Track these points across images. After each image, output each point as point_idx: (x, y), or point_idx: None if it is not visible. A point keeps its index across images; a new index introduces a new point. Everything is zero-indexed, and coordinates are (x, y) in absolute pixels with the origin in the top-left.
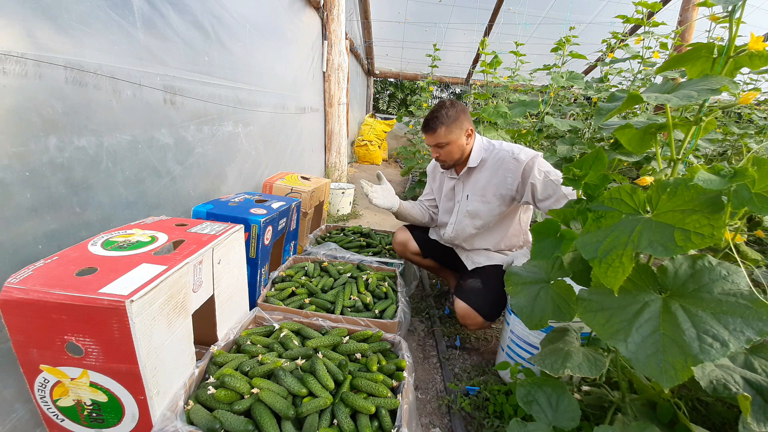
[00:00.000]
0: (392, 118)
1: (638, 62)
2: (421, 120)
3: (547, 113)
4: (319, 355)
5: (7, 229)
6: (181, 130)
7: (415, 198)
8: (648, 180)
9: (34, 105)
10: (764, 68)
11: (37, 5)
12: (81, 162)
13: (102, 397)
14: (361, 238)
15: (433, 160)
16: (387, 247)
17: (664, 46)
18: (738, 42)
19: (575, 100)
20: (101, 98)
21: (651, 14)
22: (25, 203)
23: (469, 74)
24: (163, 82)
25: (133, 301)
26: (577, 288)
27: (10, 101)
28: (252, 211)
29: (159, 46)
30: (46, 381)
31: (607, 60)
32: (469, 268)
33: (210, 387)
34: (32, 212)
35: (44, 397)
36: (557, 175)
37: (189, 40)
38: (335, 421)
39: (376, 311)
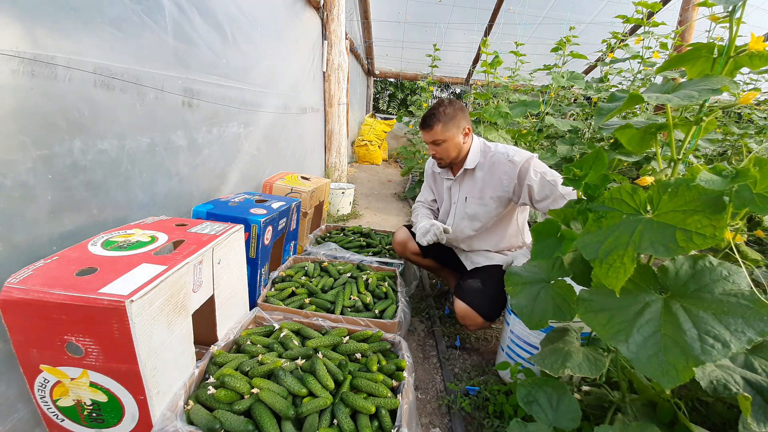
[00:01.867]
0: (392, 118)
1: (638, 62)
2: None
3: (547, 113)
4: (319, 355)
5: (25, 231)
6: (194, 132)
7: (414, 198)
8: (648, 180)
9: (60, 108)
10: (764, 68)
11: (69, 7)
12: (102, 164)
13: (102, 397)
14: (361, 238)
15: (430, 159)
16: (387, 247)
17: (664, 46)
18: (738, 42)
19: (575, 100)
20: (126, 101)
21: (651, 14)
22: (46, 205)
23: (469, 74)
24: (184, 85)
25: (133, 301)
26: (577, 288)
27: (36, 104)
28: (252, 211)
29: (185, 49)
30: (46, 381)
31: (607, 60)
32: (469, 269)
33: (210, 387)
34: (52, 214)
35: (44, 397)
36: (553, 175)
37: (211, 44)
38: (335, 421)
39: (376, 311)
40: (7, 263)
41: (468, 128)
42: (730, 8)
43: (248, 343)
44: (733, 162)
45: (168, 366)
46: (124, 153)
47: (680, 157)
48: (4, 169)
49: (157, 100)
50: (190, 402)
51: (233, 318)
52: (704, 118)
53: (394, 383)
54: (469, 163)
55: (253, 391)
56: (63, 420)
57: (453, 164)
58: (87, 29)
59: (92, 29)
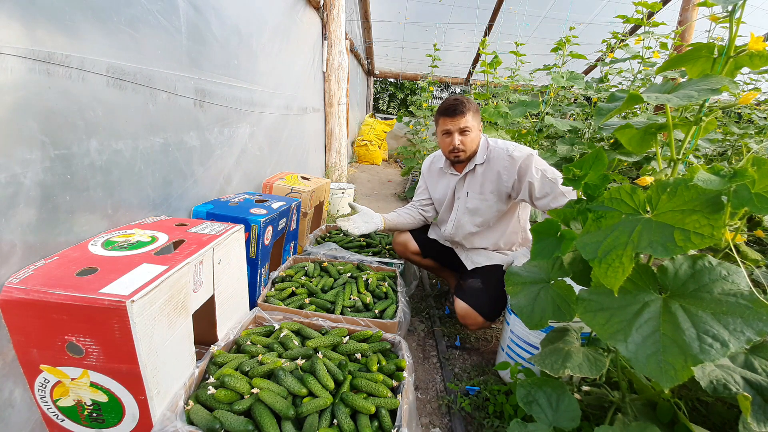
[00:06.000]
0: (392, 118)
1: (638, 62)
2: (422, 120)
3: (547, 113)
4: (319, 355)
5: (41, 231)
6: (206, 132)
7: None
8: (648, 180)
9: (78, 108)
10: (764, 68)
11: (87, 6)
12: (117, 165)
13: (102, 397)
14: (361, 238)
15: (428, 158)
16: (387, 247)
17: (664, 46)
18: (738, 42)
19: (575, 100)
20: (139, 101)
21: (651, 14)
22: (64, 206)
23: (469, 74)
24: (196, 86)
25: (133, 301)
26: (577, 288)
27: (55, 104)
28: (252, 211)
29: (198, 50)
30: (47, 381)
31: (607, 60)
32: (469, 268)
33: (210, 387)
34: (69, 215)
35: (44, 397)
36: (553, 173)
37: (223, 44)
38: (335, 421)
39: (376, 311)
40: (25, 264)
41: (481, 124)
42: (730, 8)
43: (248, 343)
44: (733, 162)
45: (168, 366)
46: (138, 153)
47: (680, 157)
48: (23, 168)
49: (169, 101)
50: (190, 402)
51: (233, 318)
52: (704, 118)
53: (394, 383)
54: (479, 159)
55: (253, 391)
56: (63, 420)
57: (469, 158)
58: (104, 29)
59: (109, 29)
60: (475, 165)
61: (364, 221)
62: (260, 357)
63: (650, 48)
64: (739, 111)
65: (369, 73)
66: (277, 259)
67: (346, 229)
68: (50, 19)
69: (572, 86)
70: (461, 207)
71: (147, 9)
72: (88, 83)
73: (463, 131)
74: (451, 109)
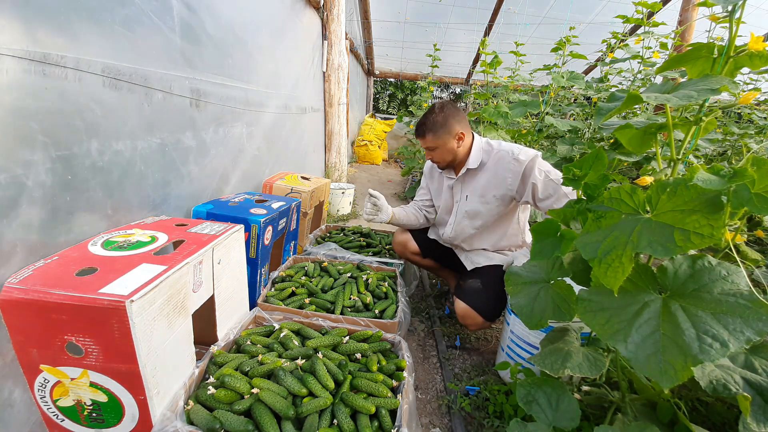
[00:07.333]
0: (392, 118)
1: (638, 62)
2: None
3: (547, 113)
4: (319, 355)
5: (41, 231)
6: (202, 132)
7: (414, 197)
8: (648, 180)
9: (76, 108)
10: (764, 68)
11: (81, 7)
12: (117, 165)
13: (102, 397)
14: (361, 238)
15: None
16: (387, 247)
17: (664, 46)
18: (738, 42)
19: (575, 100)
20: (135, 101)
21: (651, 14)
22: (64, 206)
23: (469, 74)
24: (191, 86)
25: (133, 301)
26: (577, 288)
27: (52, 105)
28: (252, 211)
29: (192, 50)
30: (46, 381)
31: (607, 60)
32: (469, 269)
33: (210, 387)
34: (69, 215)
35: (44, 397)
36: (557, 174)
37: (218, 44)
38: (335, 421)
39: (376, 311)
40: (25, 264)
41: (461, 133)
42: (730, 8)
43: (248, 343)
44: (733, 162)
45: (168, 366)
46: (137, 153)
47: (680, 157)
48: (24, 169)
49: (164, 101)
50: (190, 402)
51: (233, 318)
52: (704, 118)
53: (394, 383)
54: (471, 163)
55: (253, 391)
56: (63, 420)
57: (453, 165)
58: (99, 29)
59: (104, 29)
60: (468, 169)
61: (383, 211)
62: (260, 357)
63: (650, 48)
64: (739, 111)
65: (369, 73)
66: (277, 259)
67: (374, 217)
68: (45, 20)
69: (572, 86)
70: (460, 210)
71: (141, 9)
72: (85, 84)
73: (428, 149)
74: (416, 130)
